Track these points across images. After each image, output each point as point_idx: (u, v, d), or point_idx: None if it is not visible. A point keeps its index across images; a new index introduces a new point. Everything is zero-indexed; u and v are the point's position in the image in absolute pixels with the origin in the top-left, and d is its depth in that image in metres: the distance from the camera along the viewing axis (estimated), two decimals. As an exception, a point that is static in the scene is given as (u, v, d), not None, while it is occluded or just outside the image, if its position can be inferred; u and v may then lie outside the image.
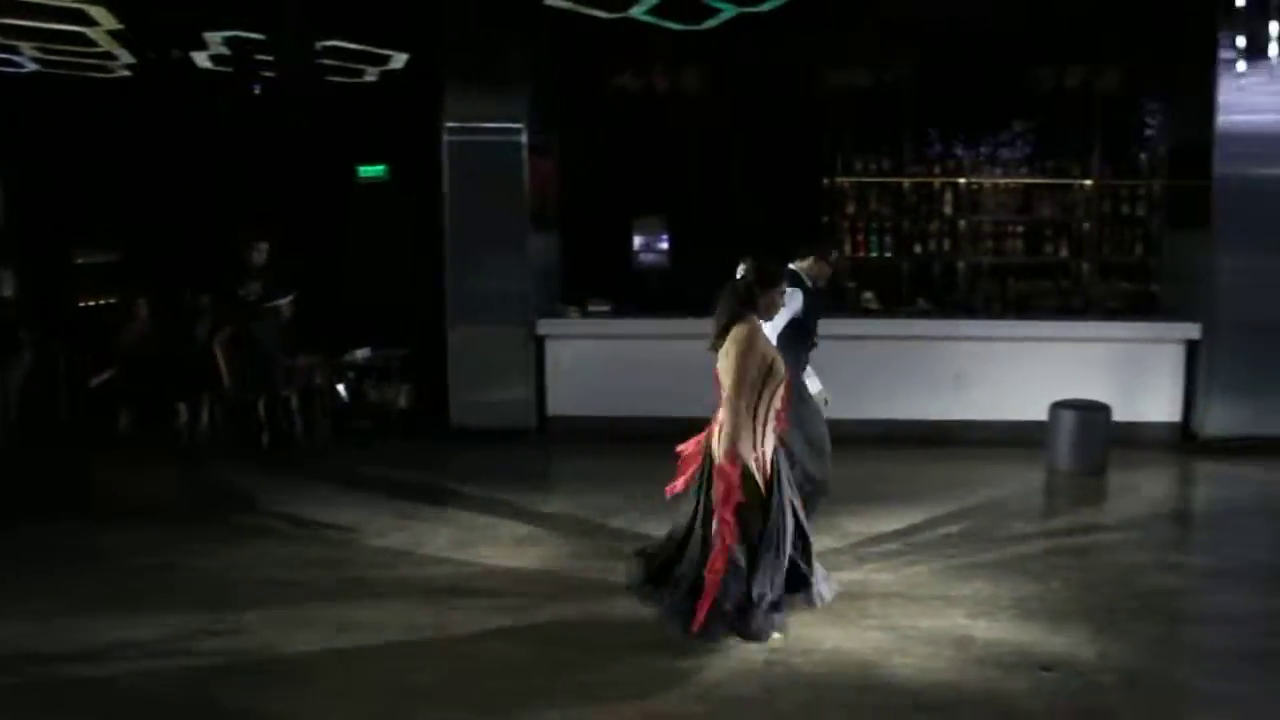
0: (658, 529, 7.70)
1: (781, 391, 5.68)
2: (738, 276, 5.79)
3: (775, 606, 5.57)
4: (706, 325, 10.32)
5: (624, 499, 8.48)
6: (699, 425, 10.03)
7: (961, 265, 12.87)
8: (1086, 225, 12.80)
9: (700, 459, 5.69)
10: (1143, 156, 12.83)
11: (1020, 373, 10.26)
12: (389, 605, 6.39)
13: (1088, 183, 12.82)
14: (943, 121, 12.86)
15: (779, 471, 5.69)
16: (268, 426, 10.43)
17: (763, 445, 5.61)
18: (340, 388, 11.17)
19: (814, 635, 5.85)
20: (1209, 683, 5.49)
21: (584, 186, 12.26)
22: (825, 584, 5.84)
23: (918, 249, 12.87)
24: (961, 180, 12.91)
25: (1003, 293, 12.48)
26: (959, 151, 12.94)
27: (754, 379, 5.49)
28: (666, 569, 5.68)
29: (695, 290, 11.87)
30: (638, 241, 12.38)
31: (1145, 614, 6.32)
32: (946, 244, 12.90)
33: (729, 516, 5.38)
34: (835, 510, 8.07)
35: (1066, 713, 5.08)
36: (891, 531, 7.73)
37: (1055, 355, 10.35)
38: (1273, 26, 8.28)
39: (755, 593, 5.47)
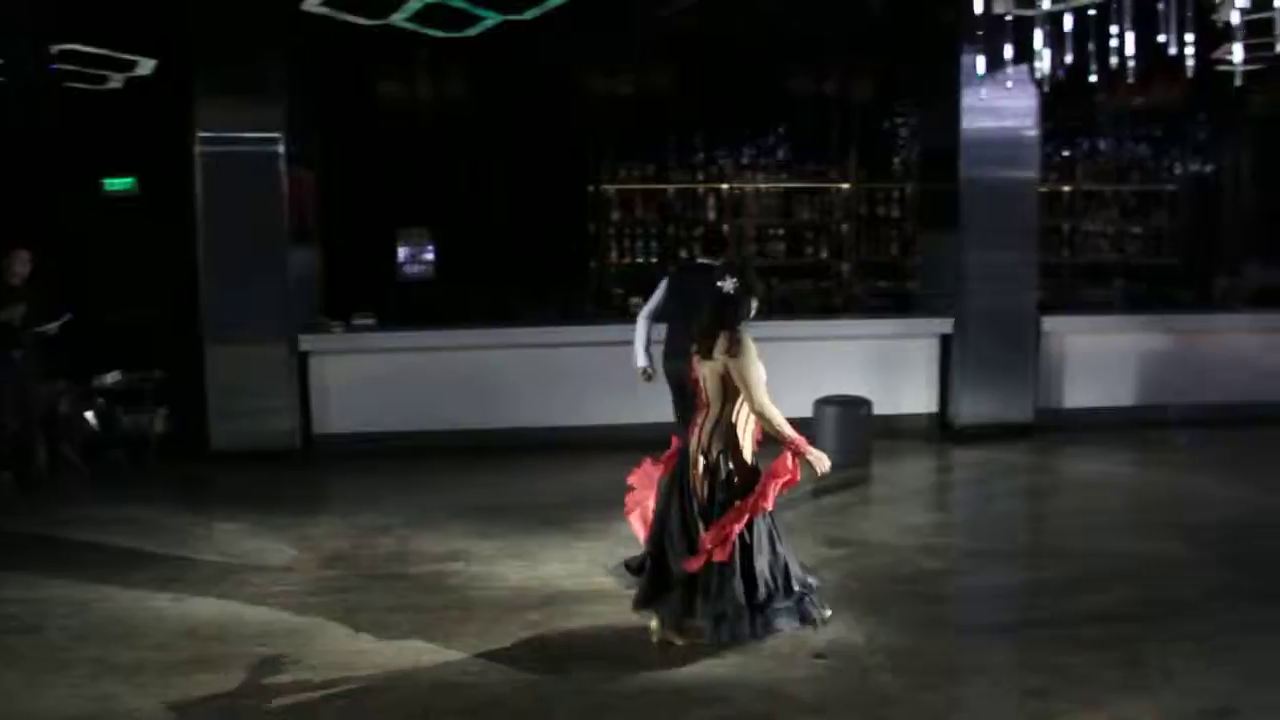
0: (431, 545, 7.60)
1: None
2: (725, 288, 5.73)
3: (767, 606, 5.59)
4: (476, 336, 10.45)
5: (394, 516, 8.28)
6: (469, 436, 10.04)
7: (726, 269, 13.13)
8: (845, 226, 13.29)
9: (671, 468, 5.86)
10: (896, 160, 13.41)
11: (785, 371, 10.37)
12: (147, 644, 5.99)
13: (845, 186, 13.30)
14: (705, 127, 13.12)
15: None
16: (13, 460, 9.67)
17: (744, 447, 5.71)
18: (89, 415, 10.50)
19: (591, 639, 5.83)
20: (969, 657, 5.72)
21: (346, 197, 11.97)
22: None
23: (683, 254, 13.08)
24: (724, 185, 13.20)
25: (767, 293, 12.79)
26: (721, 157, 13.24)
27: (761, 379, 5.57)
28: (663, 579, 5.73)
29: (462, 301, 11.84)
30: (402, 253, 12.13)
31: (910, 597, 6.54)
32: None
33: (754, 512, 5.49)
34: (610, 514, 8.08)
35: (841, 696, 5.19)
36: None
37: (818, 353, 10.64)
38: (1008, 39, 8.73)
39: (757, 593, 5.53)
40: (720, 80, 12.12)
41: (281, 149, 10.17)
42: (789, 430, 5.56)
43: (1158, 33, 7.70)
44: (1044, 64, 8.73)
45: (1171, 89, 12.06)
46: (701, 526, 5.58)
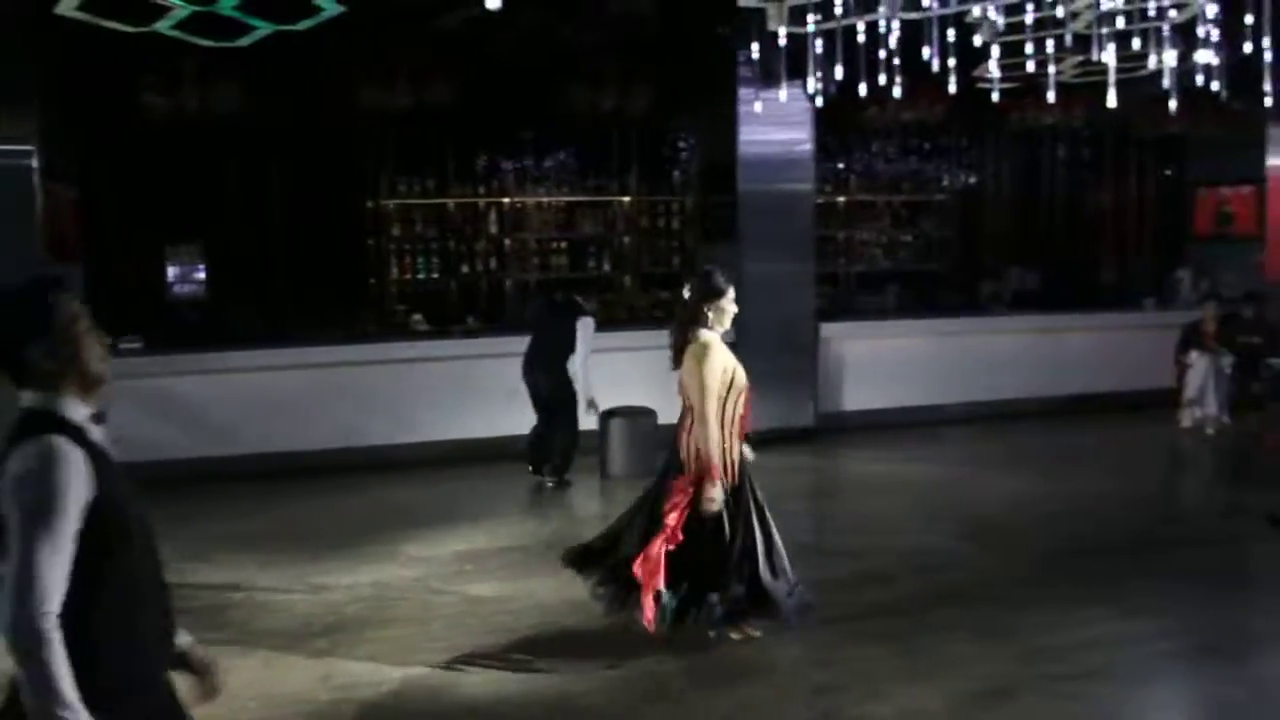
0: (211, 577, 7.28)
1: (744, 399, 5.76)
2: (685, 295, 5.88)
3: (735, 607, 5.65)
4: (250, 357, 10.06)
5: (169, 549, 7.74)
6: (247, 462, 9.63)
7: (509, 283, 13.09)
8: (627, 240, 13.41)
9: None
10: (676, 174, 13.63)
11: (573, 384, 10.47)
12: None
13: (626, 200, 13.42)
14: (486, 142, 13.03)
15: (747, 478, 5.82)
16: None
17: (730, 452, 5.71)
18: None
19: (380, 664, 5.68)
20: (760, 657, 5.78)
21: (112, 213, 11.38)
22: (793, 602, 5.82)
23: (465, 269, 12.96)
24: (506, 200, 13.13)
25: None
26: (503, 171, 13.17)
27: (718, 389, 5.60)
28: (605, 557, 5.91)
29: (236, 321, 11.40)
30: (172, 272, 11.61)
31: (701, 602, 6.60)
32: (493, 263, 13.09)
33: (677, 521, 5.50)
34: (395, 537, 7.92)
35: (634, 704, 5.21)
36: (453, 553, 7.63)
37: (605, 364, 10.63)
38: (782, 56, 8.96)
39: (719, 591, 5.61)
40: (502, 94, 12.05)
41: (35, 162, 9.52)
42: (714, 452, 5.57)
43: (922, 51, 8.02)
44: (817, 80, 8.99)
45: (937, 105, 12.60)
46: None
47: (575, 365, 9.17)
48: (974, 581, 6.89)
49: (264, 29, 8.25)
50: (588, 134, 13.26)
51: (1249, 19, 7.37)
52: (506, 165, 13.18)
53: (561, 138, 13.40)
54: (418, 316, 11.72)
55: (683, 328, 5.80)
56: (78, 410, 2.67)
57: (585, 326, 9.16)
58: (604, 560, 5.93)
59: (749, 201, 10.98)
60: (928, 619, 6.19)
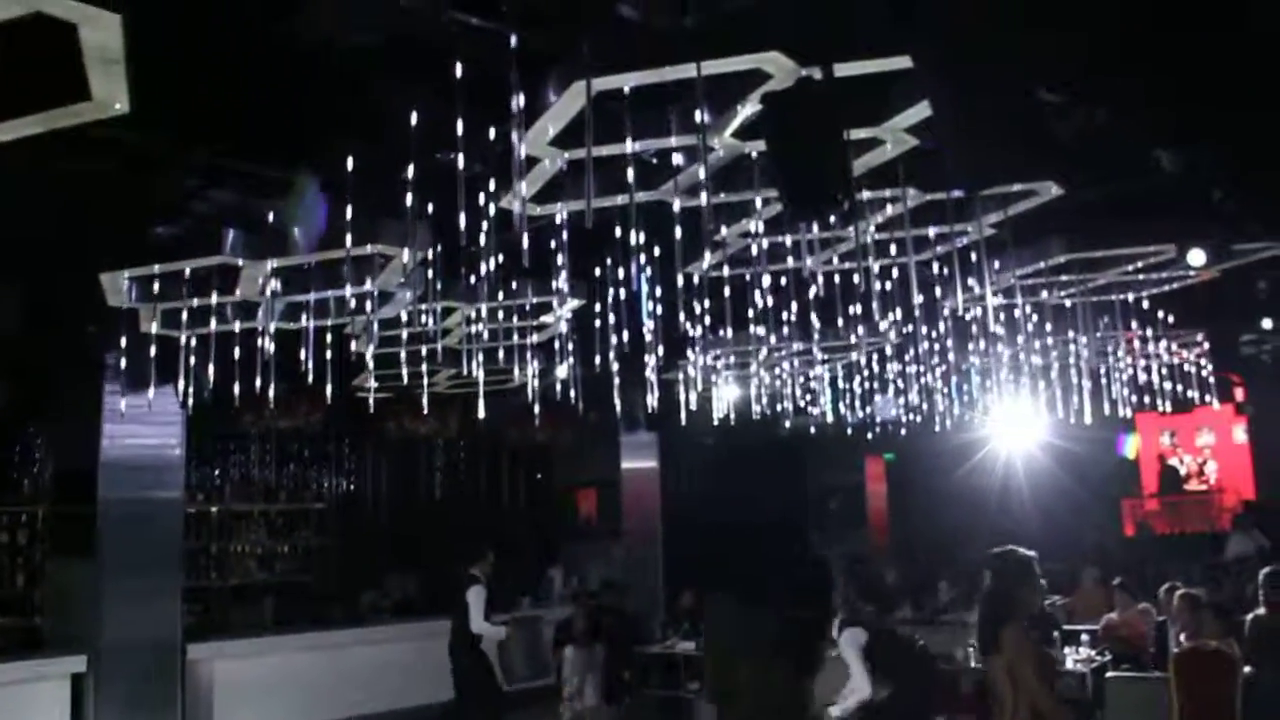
0: None
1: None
2: (987, 582, 5.46)
3: None
4: None
5: None
6: None
7: None
8: (-37, 556, 11.84)
9: None
10: (26, 482, 12.42)
11: None
12: None
13: (-34, 508, 11.94)
14: None
15: None
16: None
17: None
18: None
19: None
20: None
21: None
22: None
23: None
24: None
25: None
26: None
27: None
28: None
29: None
30: None
31: None
32: None
33: None
34: None
35: None
36: None
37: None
38: (152, 357, 8.55)
39: None
40: None
41: None
42: None
43: (299, 359, 8.01)
44: (189, 384, 8.68)
45: (314, 413, 12.60)
46: None
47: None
48: None
49: None
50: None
51: (599, 341, 8.12)
52: None
53: None
54: None
55: (999, 616, 5.25)
56: None
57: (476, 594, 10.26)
58: None
59: (111, 510, 10.14)
60: None
